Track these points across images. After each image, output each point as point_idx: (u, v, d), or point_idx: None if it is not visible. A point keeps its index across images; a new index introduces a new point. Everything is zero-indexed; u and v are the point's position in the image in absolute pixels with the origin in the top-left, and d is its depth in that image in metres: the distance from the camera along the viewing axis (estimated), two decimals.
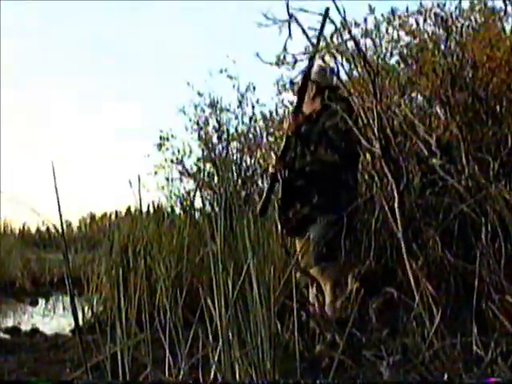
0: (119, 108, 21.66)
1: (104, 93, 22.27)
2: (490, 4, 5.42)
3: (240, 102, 9.04)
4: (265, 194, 4.67)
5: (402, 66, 5.55)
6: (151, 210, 7.29)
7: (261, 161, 8.56)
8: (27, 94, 22.31)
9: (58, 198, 1.95)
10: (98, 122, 21.97)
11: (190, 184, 9.08)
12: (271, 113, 8.67)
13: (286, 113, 7.85)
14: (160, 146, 9.05)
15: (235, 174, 8.71)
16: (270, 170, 4.61)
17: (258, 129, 9.01)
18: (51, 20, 21.39)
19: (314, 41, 3.85)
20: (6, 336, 5.68)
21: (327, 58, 4.18)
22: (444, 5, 5.39)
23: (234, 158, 8.97)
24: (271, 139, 8.52)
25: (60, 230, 2.11)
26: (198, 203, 8.72)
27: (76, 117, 22.29)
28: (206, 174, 8.98)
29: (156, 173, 9.08)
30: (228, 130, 9.04)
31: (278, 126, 7.93)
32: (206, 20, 20.43)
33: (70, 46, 22.39)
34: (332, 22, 3.58)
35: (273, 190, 4.65)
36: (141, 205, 4.15)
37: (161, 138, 9.04)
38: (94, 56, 22.35)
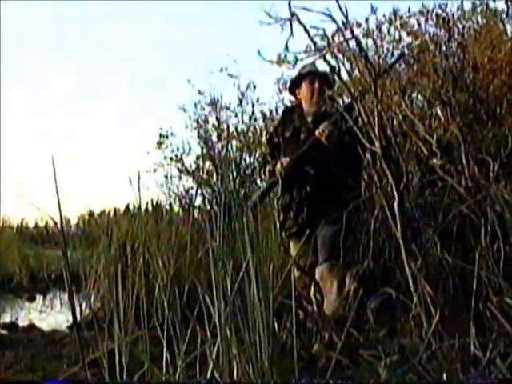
0: (119, 104, 21.60)
1: (104, 89, 22.22)
2: (491, 5, 5.43)
3: (240, 101, 9.05)
4: (263, 190, 4.68)
5: (403, 66, 5.55)
6: (150, 207, 7.30)
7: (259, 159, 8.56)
8: (28, 88, 22.26)
9: (57, 193, 1.94)
10: (97, 118, 21.92)
11: (189, 182, 9.09)
12: (271, 111, 8.69)
13: None
14: (159, 143, 9.05)
15: (234, 172, 8.72)
16: (278, 170, 4.56)
17: (257, 127, 9.02)
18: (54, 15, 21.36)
19: (316, 40, 3.84)
20: (4, 331, 5.68)
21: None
22: (446, 6, 5.40)
23: (234, 156, 8.97)
24: None
25: (59, 226, 2.10)
26: (196, 201, 8.72)
27: (75, 113, 22.26)
28: (205, 172, 8.97)
29: (155, 170, 9.10)
30: (228, 129, 9.04)
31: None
32: (208, 18, 20.39)
33: (71, 42, 22.36)
34: (334, 20, 3.57)
35: (273, 188, 4.65)
36: (140, 202, 4.13)
37: (160, 135, 9.05)
38: (93, 52, 22.28)
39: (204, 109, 9.10)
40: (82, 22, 21.78)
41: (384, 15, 5.63)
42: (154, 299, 2.81)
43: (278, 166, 4.54)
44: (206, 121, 9.11)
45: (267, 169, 4.71)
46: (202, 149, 9.05)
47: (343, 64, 4.27)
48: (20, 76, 21.77)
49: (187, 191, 8.98)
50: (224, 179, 7.85)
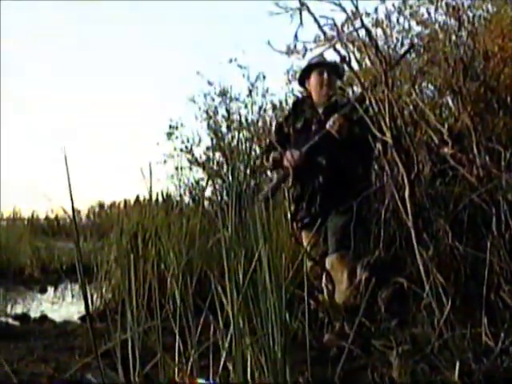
0: (129, 96, 21.63)
1: (114, 81, 22.26)
2: None
3: (250, 92, 9.04)
4: (274, 184, 4.67)
5: (413, 55, 5.53)
6: (160, 198, 7.29)
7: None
8: (36, 83, 22.31)
9: (69, 184, 1.94)
10: (107, 110, 21.96)
11: (199, 173, 9.10)
12: (281, 102, 8.68)
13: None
14: (170, 134, 9.06)
15: (245, 163, 8.70)
16: (286, 163, 4.54)
17: (267, 118, 9.01)
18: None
19: (326, 29, 3.83)
20: (16, 323, 5.70)
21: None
22: None
23: (243, 147, 8.96)
24: None
25: (72, 217, 2.11)
26: (205, 192, 8.76)
27: (85, 105, 22.30)
28: (215, 163, 8.98)
29: (165, 162, 9.11)
30: (240, 119, 9.04)
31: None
32: (217, 8, 20.36)
33: (79, 36, 22.39)
34: (343, 10, 3.56)
35: (284, 181, 4.64)
36: (151, 193, 4.13)
37: (170, 126, 9.06)
38: (101, 46, 22.32)
39: (214, 100, 9.12)
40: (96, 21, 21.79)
41: (393, 4, 5.62)
42: (166, 289, 2.81)
43: (288, 155, 4.51)
44: (216, 112, 9.12)
45: (271, 156, 4.68)
46: (212, 140, 9.06)
47: (353, 54, 4.27)
48: (26, 75, 21.84)
49: (197, 182, 9.00)
50: (234, 170, 7.86)
